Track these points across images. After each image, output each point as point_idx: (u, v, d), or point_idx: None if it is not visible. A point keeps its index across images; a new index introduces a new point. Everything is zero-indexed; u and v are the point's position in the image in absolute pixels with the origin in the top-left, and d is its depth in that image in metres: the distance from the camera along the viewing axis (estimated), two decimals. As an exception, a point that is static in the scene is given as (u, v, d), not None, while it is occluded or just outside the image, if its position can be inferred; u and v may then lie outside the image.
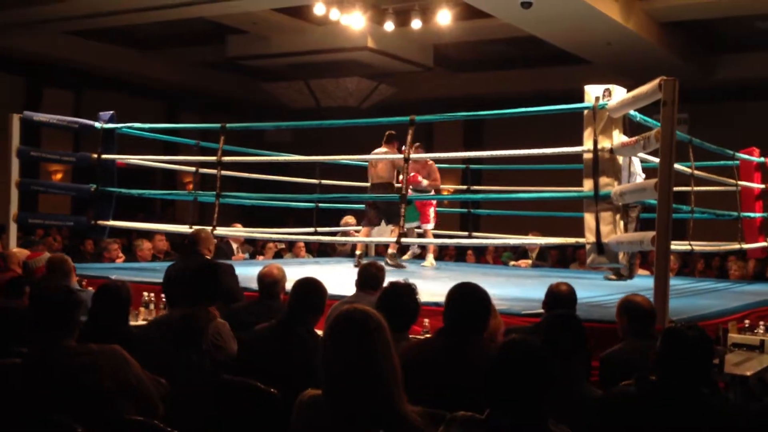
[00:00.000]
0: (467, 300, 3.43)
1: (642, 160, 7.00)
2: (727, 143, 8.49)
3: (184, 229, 8.29)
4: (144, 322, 5.16)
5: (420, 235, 8.76)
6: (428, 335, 4.47)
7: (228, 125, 7.69)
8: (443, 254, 12.10)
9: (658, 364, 2.98)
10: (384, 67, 14.86)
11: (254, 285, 5.02)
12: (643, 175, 7.04)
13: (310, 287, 4.02)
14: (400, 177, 7.36)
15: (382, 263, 5.46)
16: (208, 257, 5.68)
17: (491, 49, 14.63)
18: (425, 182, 8.49)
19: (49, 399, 3.04)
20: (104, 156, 8.03)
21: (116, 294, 4.05)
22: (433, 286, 5.84)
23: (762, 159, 8.83)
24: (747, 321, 5.66)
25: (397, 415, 2.35)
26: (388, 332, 2.47)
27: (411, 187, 7.80)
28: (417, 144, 7.88)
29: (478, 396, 2.46)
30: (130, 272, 6.93)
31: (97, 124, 8.13)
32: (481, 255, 12.31)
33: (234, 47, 14.86)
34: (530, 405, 2.34)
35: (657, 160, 5.23)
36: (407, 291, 3.87)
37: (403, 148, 7.08)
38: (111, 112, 8.29)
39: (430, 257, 9.06)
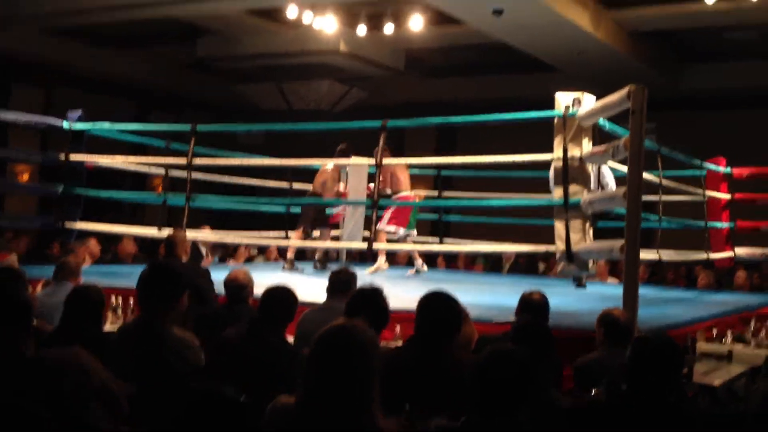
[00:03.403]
0: (438, 308, 3.42)
1: (612, 169, 7.05)
2: (695, 153, 8.56)
3: (152, 231, 8.20)
4: (111, 326, 5.11)
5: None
6: (400, 341, 4.46)
7: (198, 126, 7.62)
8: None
9: (627, 373, 3.01)
10: (356, 70, 14.83)
11: (222, 289, 4.97)
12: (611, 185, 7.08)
13: (281, 295, 3.99)
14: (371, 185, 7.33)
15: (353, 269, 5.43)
16: (184, 260, 5.64)
17: (463, 55, 14.66)
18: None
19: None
20: (72, 156, 7.92)
21: (86, 297, 3.99)
22: (404, 292, 5.83)
23: (728, 169, 8.92)
24: (715, 330, 5.72)
25: (371, 429, 2.32)
26: (376, 350, 2.40)
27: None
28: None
29: (452, 404, 2.45)
30: (97, 276, 6.82)
31: (66, 124, 8.01)
32: (452, 261, 12.31)
33: (205, 48, 14.74)
34: (511, 415, 2.34)
35: (626, 168, 5.28)
36: (376, 295, 3.86)
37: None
38: (79, 111, 8.16)
39: (380, 260, 8.60)
